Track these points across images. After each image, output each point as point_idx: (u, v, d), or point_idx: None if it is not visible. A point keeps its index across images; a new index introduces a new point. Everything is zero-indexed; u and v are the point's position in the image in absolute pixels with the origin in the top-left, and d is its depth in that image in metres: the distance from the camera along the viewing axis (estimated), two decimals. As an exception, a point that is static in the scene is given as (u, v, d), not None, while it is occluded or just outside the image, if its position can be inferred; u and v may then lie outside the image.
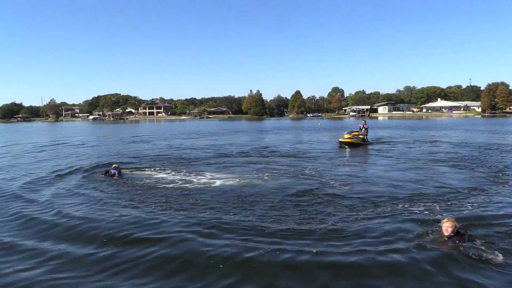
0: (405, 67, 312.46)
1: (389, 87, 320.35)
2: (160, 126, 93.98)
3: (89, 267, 7.39)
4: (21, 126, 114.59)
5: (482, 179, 15.32)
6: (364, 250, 7.76)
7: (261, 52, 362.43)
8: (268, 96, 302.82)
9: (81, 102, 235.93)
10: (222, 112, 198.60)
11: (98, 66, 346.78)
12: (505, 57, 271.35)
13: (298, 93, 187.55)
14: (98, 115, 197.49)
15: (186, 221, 9.90)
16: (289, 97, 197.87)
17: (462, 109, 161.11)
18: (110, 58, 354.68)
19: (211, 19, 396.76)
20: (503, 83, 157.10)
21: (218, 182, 15.34)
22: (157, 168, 19.38)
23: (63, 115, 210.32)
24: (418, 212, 10.34)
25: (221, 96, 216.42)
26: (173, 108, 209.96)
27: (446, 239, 7.85)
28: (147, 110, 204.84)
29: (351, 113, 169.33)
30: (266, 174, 17.23)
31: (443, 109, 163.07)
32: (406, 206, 10.94)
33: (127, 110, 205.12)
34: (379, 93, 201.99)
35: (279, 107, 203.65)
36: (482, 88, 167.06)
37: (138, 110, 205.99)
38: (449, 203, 11.30)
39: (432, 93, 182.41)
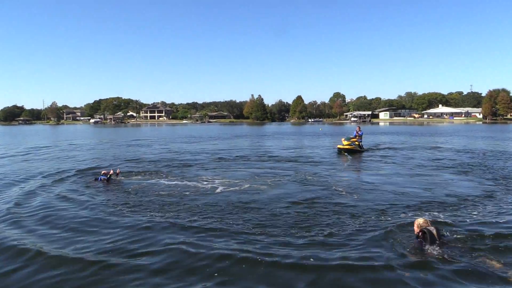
0: (407, 73, 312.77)
1: (390, 93, 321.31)
2: (161, 130, 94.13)
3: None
4: (21, 129, 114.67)
5: (488, 186, 15.24)
6: (371, 258, 7.72)
7: (263, 57, 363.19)
8: (270, 101, 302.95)
9: (83, 106, 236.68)
10: (224, 117, 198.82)
11: (100, 69, 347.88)
12: (506, 64, 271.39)
13: (299, 98, 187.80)
14: (99, 118, 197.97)
15: (175, 228, 9.74)
16: (290, 102, 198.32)
17: (463, 115, 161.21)
18: (112, 61, 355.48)
19: (213, 23, 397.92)
20: (504, 90, 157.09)
21: (216, 187, 15.27)
22: (153, 173, 19.29)
23: (65, 118, 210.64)
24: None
25: (222, 100, 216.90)
26: (175, 112, 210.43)
27: (416, 238, 8.07)
28: (149, 114, 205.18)
29: (352, 119, 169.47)
30: (267, 179, 17.17)
31: (444, 115, 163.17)
32: (413, 214, 10.74)
33: (128, 114, 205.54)
34: (380, 98, 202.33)
35: (281, 112, 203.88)
36: (483, 95, 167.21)
37: (140, 114, 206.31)
38: (456, 211, 11.10)
39: (433, 99, 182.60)
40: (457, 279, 6.68)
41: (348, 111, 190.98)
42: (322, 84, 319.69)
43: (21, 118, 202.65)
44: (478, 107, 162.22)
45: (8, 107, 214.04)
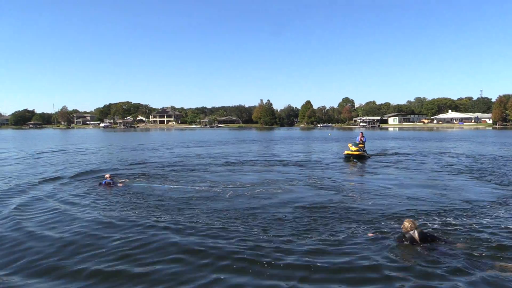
0: (416, 78, 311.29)
1: (399, 98, 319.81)
2: (170, 134, 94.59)
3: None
4: (31, 133, 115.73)
5: (500, 192, 15.28)
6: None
7: (272, 62, 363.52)
8: (279, 105, 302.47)
9: (93, 110, 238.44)
10: (232, 121, 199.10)
11: (110, 74, 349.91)
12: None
13: (308, 103, 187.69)
14: (109, 122, 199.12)
15: (180, 232, 9.87)
16: (299, 107, 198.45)
17: (473, 120, 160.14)
18: (122, 66, 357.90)
19: (223, 28, 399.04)
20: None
21: (224, 192, 15.45)
22: (159, 177, 19.51)
23: (75, 122, 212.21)
24: (443, 225, 10.28)
25: (231, 105, 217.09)
26: (184, 116, 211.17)
27: (403, 239, 8.41)
28: (158, 119, 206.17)
29: (361, 124, 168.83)
30: (275, 184, 17.35)
31: (454, 121, 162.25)
32: (425, 218, 10.81)
33: (138, 118, 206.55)
34: (389, 104, 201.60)
35: (289, 117, 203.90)
36: (493, 100, 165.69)
37: (149, 118, 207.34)
38: (466, 216, 11.12)
39: (443, 105, 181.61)
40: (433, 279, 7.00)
41: (357, 116, 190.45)
42: (331, 89, 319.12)
43: (32, 122, 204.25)
44: (488, 113, 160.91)
45: (19, 111, 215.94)
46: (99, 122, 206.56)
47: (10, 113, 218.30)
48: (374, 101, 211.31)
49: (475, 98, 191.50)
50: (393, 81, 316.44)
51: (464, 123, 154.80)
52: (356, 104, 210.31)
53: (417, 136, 68.47)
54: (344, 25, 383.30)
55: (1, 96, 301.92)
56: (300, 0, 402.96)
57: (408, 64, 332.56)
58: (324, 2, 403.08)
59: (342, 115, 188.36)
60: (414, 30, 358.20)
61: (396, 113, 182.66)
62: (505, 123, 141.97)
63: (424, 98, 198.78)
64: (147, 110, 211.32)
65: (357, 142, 29.42)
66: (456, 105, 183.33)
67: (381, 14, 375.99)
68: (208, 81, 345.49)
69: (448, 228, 9.89)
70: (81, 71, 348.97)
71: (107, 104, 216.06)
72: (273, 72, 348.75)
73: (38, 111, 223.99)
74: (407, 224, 8.47)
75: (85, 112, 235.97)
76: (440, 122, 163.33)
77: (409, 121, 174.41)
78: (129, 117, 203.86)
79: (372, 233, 9.41)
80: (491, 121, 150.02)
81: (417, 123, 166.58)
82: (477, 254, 8.00)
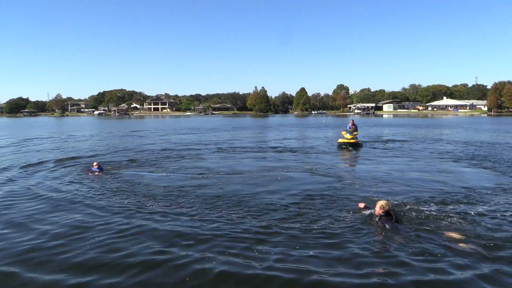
0: (411, 65, 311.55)
1: (394, 85, 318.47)
2: (164, 122, 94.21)
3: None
4: (25, 120, 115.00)
5: (497, 178, 15.10)
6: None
7: (266, 49, 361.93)
8: (273, 93, 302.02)
9: (87, 97, 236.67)
10: (227, 109, 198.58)
11: (104, 61, 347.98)
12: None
13: (303, 90, 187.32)
14: (103, 110, 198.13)
15: (169, 218, 9.70)
16: (294, 94, 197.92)
17: (468, 107, 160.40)
18: (116, 53, 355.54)
19: (216, 15, 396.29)
20: (509, 82, 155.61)
21: (216, 178, 15.26)
22: (150, 164, 19.22)
23: (69, 110, 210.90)
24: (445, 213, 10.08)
25: (226, 92, 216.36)
26: (178, 104, 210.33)
27: (377, 219, 8.80)
28: (152, 106, 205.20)
29: (356, 111, 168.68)
30: (270, 171, 17.16)
31: (449, 108, 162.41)
32: (423, 205, 10.56)
33: (132, 106, 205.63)
34: (384, 91, 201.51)
35: (284, 104, 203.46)
36: (488, 87, 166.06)
37: (143, 106, 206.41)
38: (464, 203, 10.93)
39: (438, 92, 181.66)
40: (409, 257, 7.16)
41: (352, 103, 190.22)
42: (326, 76, 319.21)
43: (26, 110, 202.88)
44: (483, 100, 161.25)
45: (13, 99, 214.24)
46: (93, 109, 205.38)
47: (4, 101, 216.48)
48: (369, 88, 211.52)
49: (470, 85, 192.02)
50: (388, 68, 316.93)
51: (459, 110, 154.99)
52: (351, 91, 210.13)
53: (412, 123, 68.43)
54: (338, 12, 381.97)
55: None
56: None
57: (403, 51, 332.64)
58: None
59: (337, 102, 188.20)
60: (409, 17, 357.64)
61: (391, 100, 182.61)
62: (500, 110, 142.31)
63: (419, 85, 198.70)
64: (141, 98, 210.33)
65: (351, 129, 28.14)
66: (451, 92, 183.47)
67: (375, 1, 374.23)
68: (202, 68, 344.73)
69: (444, 214, 9.66)
70: (75, 59, 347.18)
71: (101, 91, 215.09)
72: (268, 59, 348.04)
73: (32, 99, 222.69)
74: (384, 203, 8.80)
75: (79, 100, 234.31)
76: (435, 109, 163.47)
77: (404, 108, 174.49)
78: (123, 105, 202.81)
79: (363, 203, 9.87)
80: (486, 108, 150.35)
81: (412, 110, 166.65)
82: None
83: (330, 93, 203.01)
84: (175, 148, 27.06)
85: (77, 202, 11.52)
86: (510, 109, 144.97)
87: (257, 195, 12.05)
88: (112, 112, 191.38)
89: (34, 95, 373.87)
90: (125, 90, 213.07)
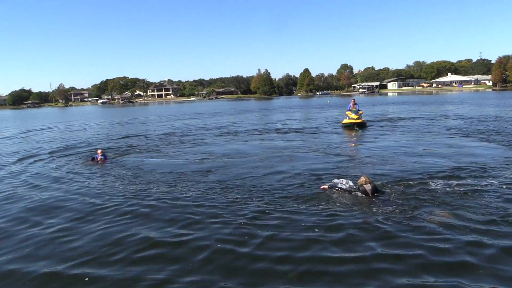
0: (415, 42, 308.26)
1: (398, 63, 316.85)
2: (168, 108, 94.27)
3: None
4: (29, 112, 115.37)
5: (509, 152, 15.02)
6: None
7: (268, 31, 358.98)
8: (277, 75, 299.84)
9: (90, 87, 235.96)
10: (231, 92, 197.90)
11: (105, 49, 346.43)
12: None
13: (306, 71, 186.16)
14: (107, 99, 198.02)
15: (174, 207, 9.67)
16: (297, 75, 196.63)
17: (472, 83, 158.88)
18: (117, 41, 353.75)
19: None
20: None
21: (221, 161, 15.36)
22: (155, 150, 19.38)
23: (73, 100, 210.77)
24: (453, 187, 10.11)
25: (229, 76, 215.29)
26: (182, 89, 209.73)
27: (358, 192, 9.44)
28: (156, 93, 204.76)
29: (361, 90, 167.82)
30: (277, 152, 17.23)
31: (454, 84, 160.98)
32: (437, 181, 10.51)
33: (136, 93, 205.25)
34: (388, 69, 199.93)
35: (288, 86, 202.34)
36: (493, 62, 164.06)
37: (147, 93, 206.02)
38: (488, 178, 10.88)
39: (442, 68, 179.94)
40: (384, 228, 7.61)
41: (356, 82, 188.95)
42: (329, 56, 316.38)
43: (29, 102, 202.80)
44: (487, 75, 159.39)
45: (15, 91, 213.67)
46: (97, 98, 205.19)
47: (7, 93, 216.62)
48: (373, 66, 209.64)
49: (474, 60, 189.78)
50: (392, 45, 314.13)
51: (464, 86, 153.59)
52: (355, 70, 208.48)
53: (417, 101, 67.94)
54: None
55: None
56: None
57: (407, 27, 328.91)
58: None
59: (341, 82, 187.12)
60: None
61: (395, 78, 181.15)
62: (505, 85, 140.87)
63: (423, 62, 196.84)
64: (145, 85, 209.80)
65: (352, 108, 27.23)
66: (455, 68, 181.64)
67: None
68: (205, 52, 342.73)
69: (451, 189, 9.78)
70: (76, 48, 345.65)
71: (104, 80, 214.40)
72: (270, 41, 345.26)
73: (35, 90, 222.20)
74: (363, 178, 9.41)
75: (82, 89, 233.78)
76: (439, 86, 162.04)
77: (408, 86, 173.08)
78: (127, 92, 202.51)
79: (327, 185, 10.31)
80: (491, 83, 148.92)
81: (417, 88, 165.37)
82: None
83: (334, 73, 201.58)
84: (180, 133, 27.24)
85: (83, 189, 11.74)
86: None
87: (266, 177, 12.15)
88: (116, 100, 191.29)
89: (37, 86, 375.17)
90: (128, 77, 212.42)
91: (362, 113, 27.29)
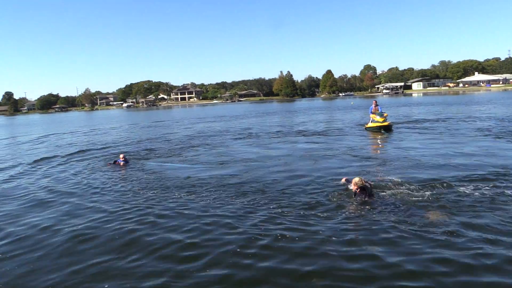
0: (440, 41, 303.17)
1: (423, 63, 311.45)
2: (191, 111, 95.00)
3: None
4: (57, 116, 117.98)
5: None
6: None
7: (291, 32, 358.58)
8: (299, 76, 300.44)
9: (115, 91, 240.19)
10: (253, 95, 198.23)
11: (129, 54, 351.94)
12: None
13: (329, 73, 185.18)
14: (131, 102, 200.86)
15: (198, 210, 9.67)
16: (320, 77, 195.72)
17: (501, 82, 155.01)
18: (141, 45, 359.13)
19: (238, 1, 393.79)
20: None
21: (247, 165, 15.28)
22: (178, 154, 19.46)
23: (98, 104, 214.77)
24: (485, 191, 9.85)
25: (251, 78, 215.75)
26: (205, 92, 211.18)
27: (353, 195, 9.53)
28: (179, 96, 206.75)
29: (384, 91, 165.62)
30: (301, 154, 17.12)
31: (481, 83, 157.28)
32: (467, 186, 10.21)
33: (159, 97, 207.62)
34: (413, 69, 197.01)
35: (310, 87, 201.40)
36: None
37: (171, 96, 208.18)
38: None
39: (469, 67, 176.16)
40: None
41: (380, 83, 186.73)
42: (352, 57, 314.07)
43: (57, 106, 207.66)
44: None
45: (44, 95, 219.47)
46: (122, 102, 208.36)
47: (36, 98, 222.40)
48: (396, 67, 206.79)
49: (503, 58, 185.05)
50: (417, 45, 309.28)
51: (492, 85, 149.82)
52: (378, 71, 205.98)
53: (443, 101, 66.53)
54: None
55: (27, 82, 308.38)
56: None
57: (432, 26, 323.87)
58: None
59: (364, 83, 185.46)
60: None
61: (420, 78, 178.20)
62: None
63: (449, 61, 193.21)
64: (168, 88, 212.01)
65: (374, 110, 26.21)
66: (482, 67, 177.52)
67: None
68: (227, 55, 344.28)
69: (484, 193, 9.47)
70: (101, 52, 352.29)
71: (129, 84, 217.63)
72: (293, 43, 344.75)
73: (62, 94, 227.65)
74: (357, 179, 9.49)
75: (108, 93, 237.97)
76: (466, 86, 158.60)
77: (433, 86, 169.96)
78: (151, 96, 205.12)
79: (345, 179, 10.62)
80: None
81: (442, 88, 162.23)
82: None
83: (357, 74, 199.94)
84: (201, 136, 27.43)
85: (107, 191, 12.09)
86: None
87: (288, 181, 12.04)
88: (140, 104, 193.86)
89: (64, 91, 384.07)
90: (152, 81, 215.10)
91: (387, 115, 26.05)
